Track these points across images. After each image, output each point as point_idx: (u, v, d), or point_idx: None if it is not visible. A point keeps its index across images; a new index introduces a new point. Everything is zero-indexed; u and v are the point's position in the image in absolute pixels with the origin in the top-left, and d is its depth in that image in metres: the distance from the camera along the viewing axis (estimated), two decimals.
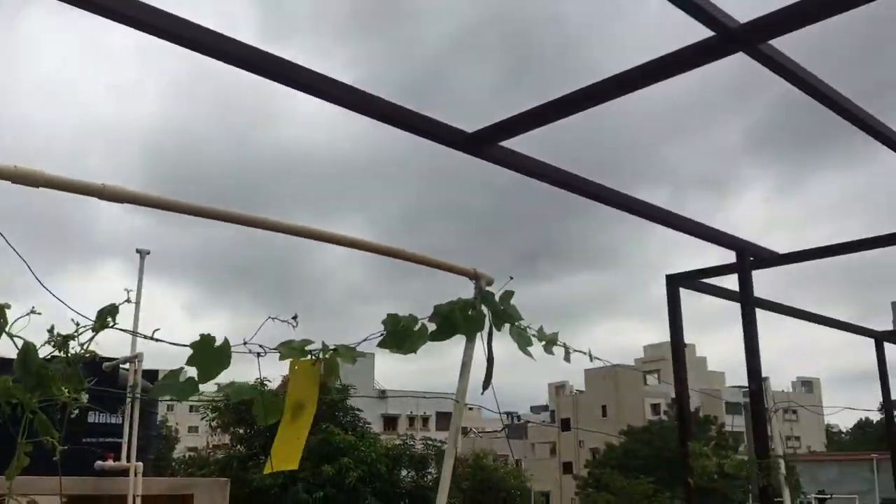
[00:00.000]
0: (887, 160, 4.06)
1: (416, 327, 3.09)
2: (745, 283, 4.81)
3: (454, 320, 3.19)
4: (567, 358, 3.48)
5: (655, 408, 62.83)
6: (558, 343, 3.37)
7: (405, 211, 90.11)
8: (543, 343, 3.32)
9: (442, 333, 3.16)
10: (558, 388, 76.80)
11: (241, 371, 2.61)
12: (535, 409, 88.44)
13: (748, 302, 4.83)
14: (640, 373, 59.69)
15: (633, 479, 39.02)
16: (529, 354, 3.25)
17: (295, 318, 2.71)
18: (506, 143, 3.43)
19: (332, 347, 2.82)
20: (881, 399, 7.72)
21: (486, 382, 3.37)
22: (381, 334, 3.04)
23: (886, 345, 7.65)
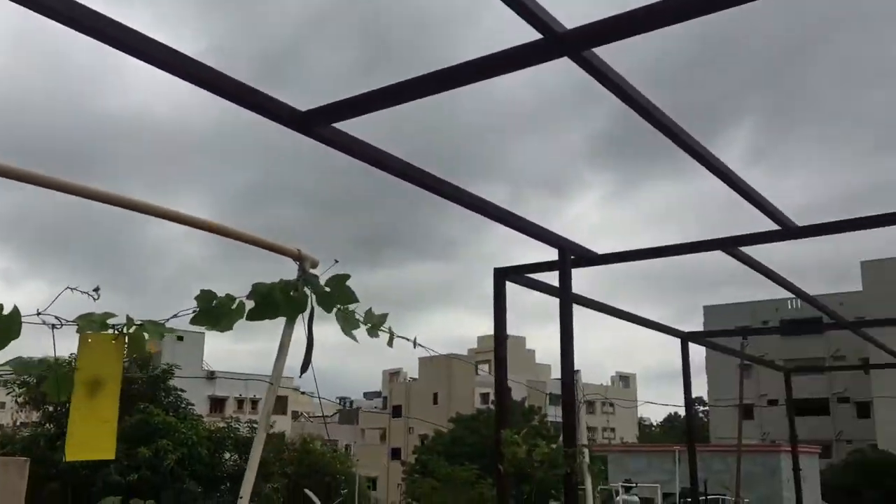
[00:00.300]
0: (706, 176, 4.35)
1: (234, 305, 3.02)
2: (565, 279, 5.02)
3: (274, 300, 3.14)
4: (390, 343, 3.49)
5: (485, 397, 64.64)
6: (383, 328, 3.38)
7: (247, 189, 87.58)
8: (368, 326, 3.33)
9: (260, 313, 3.11)
10: (392, 375, 77.41)
11: (61, 346, 2.45)
12: (369, 395, 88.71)
13: (566, 298, 5.06)
14: (472, 363, 61.20)
15: (458, 466, 39.92)
16: (353, 338, 3.25)
17: (97, 289, 2.56)
18: (347, 128, 3.39)
19: (138, 322, 2.70)
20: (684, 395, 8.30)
21: (305, 365, 3.33)
22: (195, 311, 2.94)
23: (692, 345, 8.24)
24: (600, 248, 5.47)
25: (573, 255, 5.21)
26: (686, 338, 7.93)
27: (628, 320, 7.15)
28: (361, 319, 3.26)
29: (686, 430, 8.69)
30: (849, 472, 38.04)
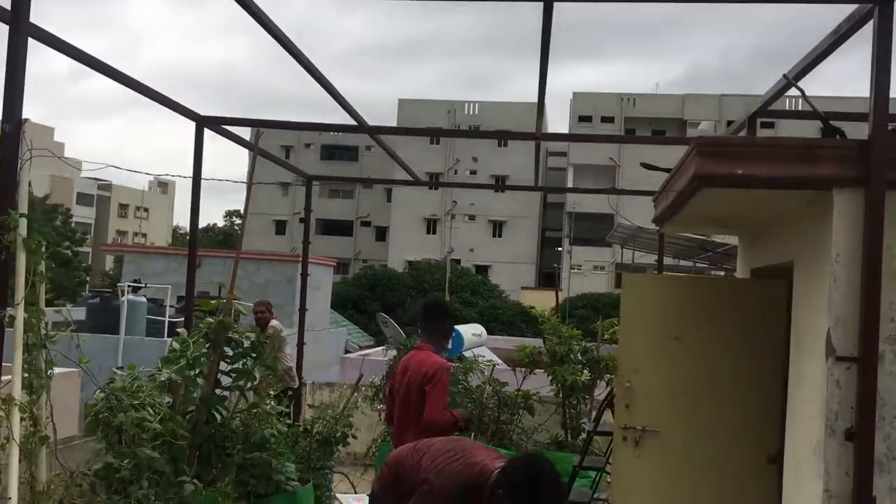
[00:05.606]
0: None
1: None
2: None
3: None
4: None
5: None
6: None
7: None
8: None
9: None
10: None
11: None
12: None
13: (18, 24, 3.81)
14: None
15: None
16: None
17: None
18: None
19: None
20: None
21: None
22: None
23: (207, 133, 7.48)
24: None
25: None
26: (201, 122, 7.08)
27: (138, 91, 6.01)
28: None
29: (189, 233, 8.05)
30: (358, 284, 42.25)
